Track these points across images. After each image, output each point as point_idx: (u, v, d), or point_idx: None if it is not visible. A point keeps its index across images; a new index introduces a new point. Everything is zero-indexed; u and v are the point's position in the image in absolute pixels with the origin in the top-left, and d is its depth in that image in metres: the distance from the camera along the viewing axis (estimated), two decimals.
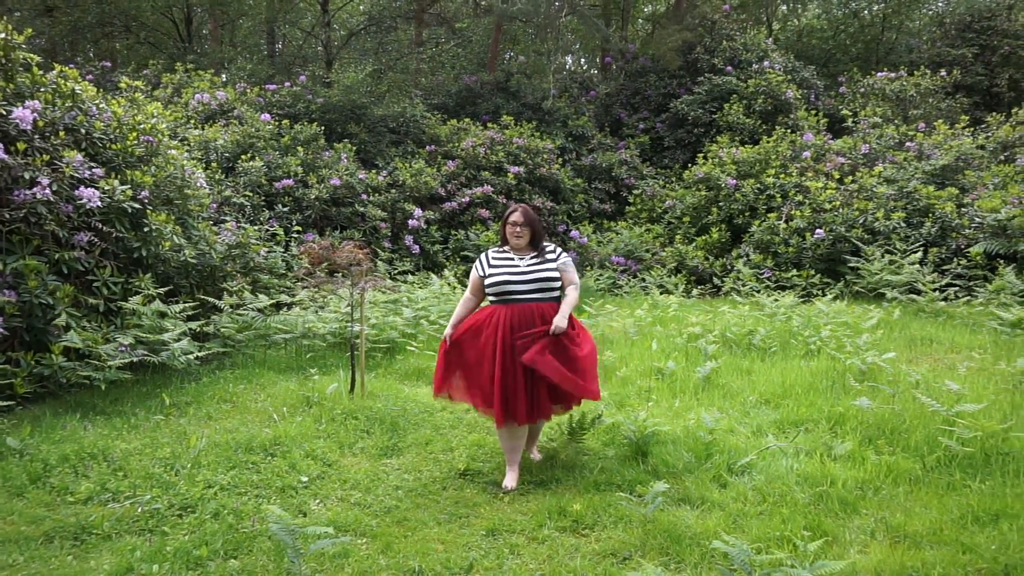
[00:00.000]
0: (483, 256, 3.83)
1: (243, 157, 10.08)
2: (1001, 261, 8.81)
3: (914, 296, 8.41)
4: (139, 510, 3.34)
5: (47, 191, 5.36)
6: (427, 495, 3.61)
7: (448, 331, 3.79)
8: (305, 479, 3.76)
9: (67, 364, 5.11)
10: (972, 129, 12.43)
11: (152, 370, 5.63)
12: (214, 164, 9.47)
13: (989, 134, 11.98)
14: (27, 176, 5.41)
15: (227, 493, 3.54)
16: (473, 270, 3.83)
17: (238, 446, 4.09)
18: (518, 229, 3.69)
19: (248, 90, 12.49)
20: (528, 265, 3.68)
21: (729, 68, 15.32)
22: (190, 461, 3.85)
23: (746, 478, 3.61)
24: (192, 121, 11.20)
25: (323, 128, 11.62)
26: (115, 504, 3.41)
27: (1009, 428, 3.74)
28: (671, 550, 2.92)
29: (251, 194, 9.44)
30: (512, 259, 3.73)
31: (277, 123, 11.38)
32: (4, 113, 5.49)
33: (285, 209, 9.88)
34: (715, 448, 3.89)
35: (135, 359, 5.28)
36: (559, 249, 3.84)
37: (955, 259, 9.38)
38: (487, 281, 3.69)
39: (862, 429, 4.04)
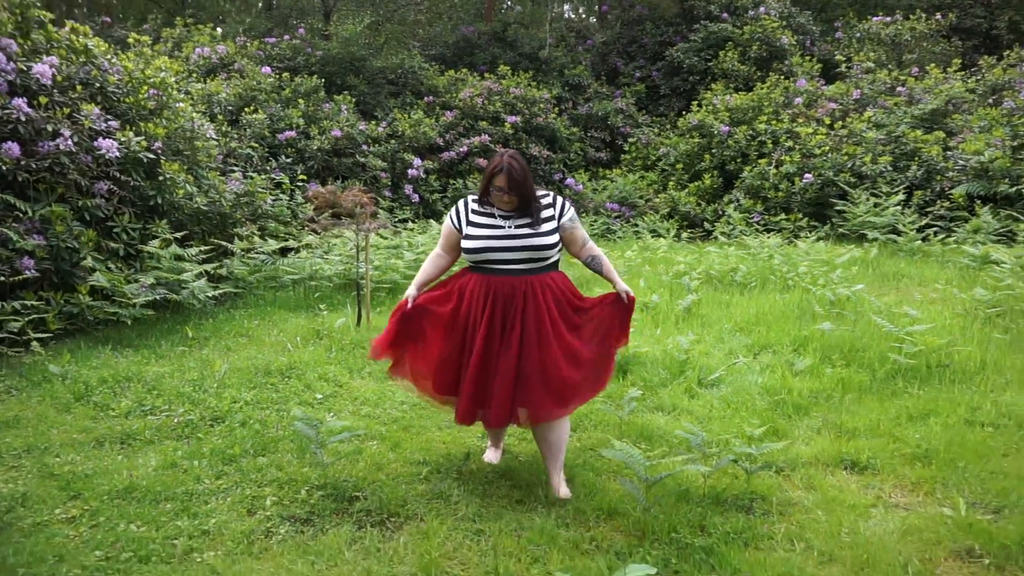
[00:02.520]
0: (460, 205, 3.06)
1: (246, 110, 10.33)
2: (979, 202, 9.12)
3: (894, 236, 8.76)
4: (175, 421, 3.78)
5: (69, 142, 5.69)
6: (429, 409, 4.03)
7: (411, 290, 3.06)
8: (320, 396, 4.20)
9: (94, 303, 5.53)
10: (964, 73, 12.56)
11: (171, 309, 6.04)
12: (220, 117, 9.72)
13: (980, 77, 12.13)
14: (49, 128, 5.74)
15: (251, 407, 3.98)
16: (447, 220, 3.09)
17: (257, 370, 4.52)
18: (504, 196, 2.88)
19: (248, 44, 12.63)
20: (517, 228, 2.91)
21: (725, 15, 15.33)
22: (216, 382, 4.29)
23: (715, 390, 4.04)
24: (194, 75, 11.40)
25: (323, 80, 11.81)
26: (153, 416, 3.86)
27: (951, 343, 4.15)
28: (642, 444, 3.36)
29: (256, 145, 9.72)
30: (495, 219, 2.95)
31: (278, 76, 11.57)
32: (25, 69, 5.79)
33: (288, 160, 10.16)
34: (689, 366, 4.32)
35: (157, 297, 5.70)
36: (559, 199, 3.03)
37: (938, 201, 9.69)
38: (465, 244, 2.96)
39: (822, 349, 4.46)
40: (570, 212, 3.02)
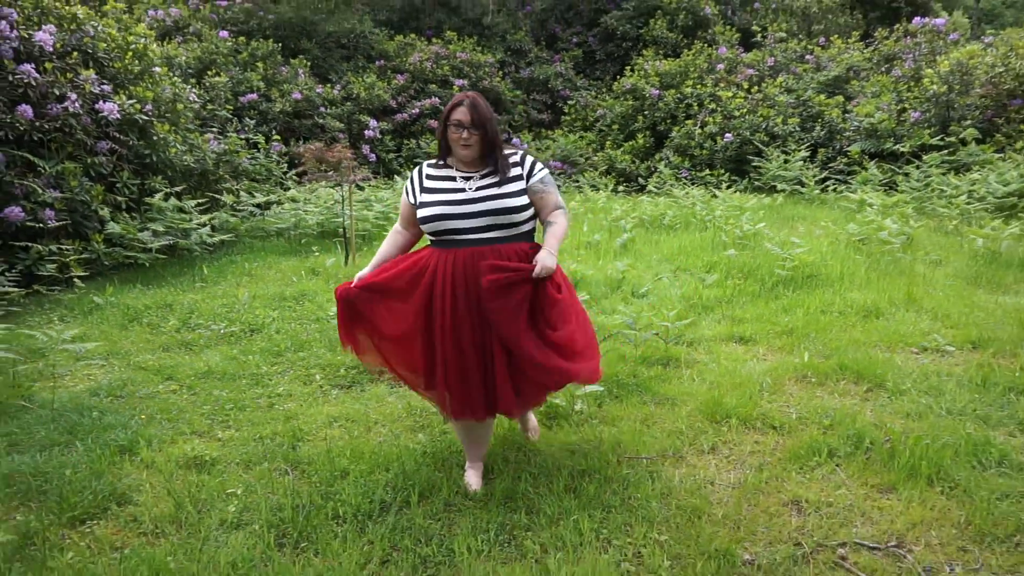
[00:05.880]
0: (414, 174, 2.69)
1: (208, 73, 10.87)
2: (868, 158, 10.62)
3: (800, 188, 10.17)
4: (221, 332, 4.72)
5: (76, 105, 6.36)
6: None
7: (363, 272, 2.71)
8: (332, 313, 5.18)
9: (108, 250, 6.31)
10: (862, 44, 14.07)
11: (176, 255, 6.84)
12: (192, 80, 10.27)
13: (875, 47, 13.65)
14: (56, 92, 6.39)
15: (279, 321, 4.94)
16: (403, 193, 2.70)
17: (274, 297, 5.46)
18: (464, 134, 2.50)
19: (201, 6, 12.99)
20: (478, 189, 2.53)
21: None
22: (243, 305, 5.22)
23: (644, 299, 5.22)
24: (149, 37, 11.76)
25: (278, 44, 12.36)
26: (201, 330, 4.77)
27: (821, 261, 5.45)
28: None
29: (228, 107, 10.34)
30: (454, 179, 2.58)
31: (234, 40, 12.06)
32: (27, 36, 6.39)
33: (253, 122, 10.81)
34: (624, 283, 5.49)
35: (168, 242, 6.50)
36: (529, 157, 2.64)
37: (838, 157, 11.17)
38: (419, 213, 2.57)
39: (727, 269, 5.71)
40: (541, 173, 2.61)
